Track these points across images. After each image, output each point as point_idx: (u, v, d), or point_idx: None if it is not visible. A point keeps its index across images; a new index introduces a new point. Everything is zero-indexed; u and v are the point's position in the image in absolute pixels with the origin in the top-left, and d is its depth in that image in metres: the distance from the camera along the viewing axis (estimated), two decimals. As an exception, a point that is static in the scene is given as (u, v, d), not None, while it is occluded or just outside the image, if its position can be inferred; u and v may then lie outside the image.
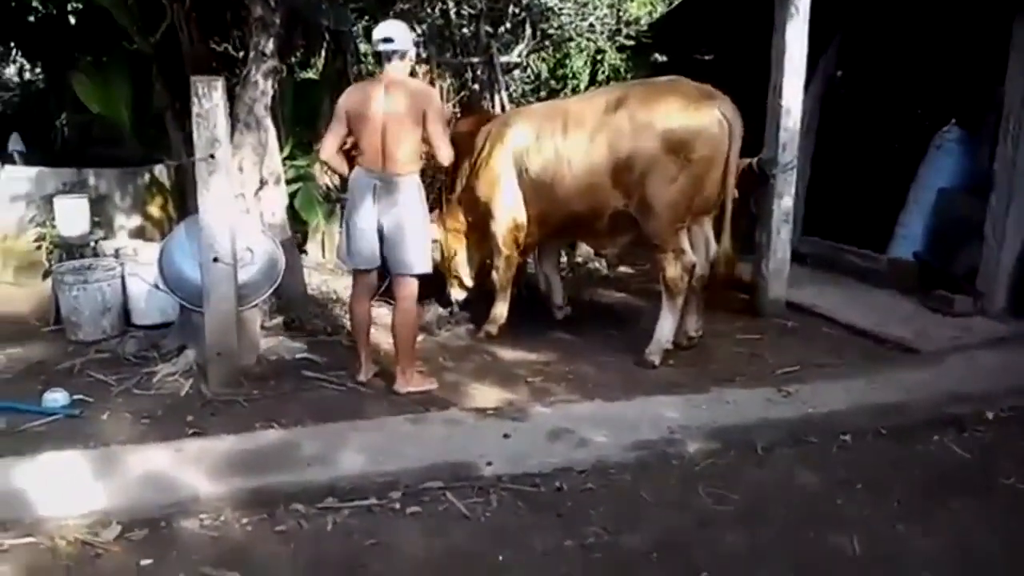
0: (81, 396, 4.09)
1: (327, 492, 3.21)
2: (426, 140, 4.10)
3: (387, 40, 4.07)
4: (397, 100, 4.01)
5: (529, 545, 2.96)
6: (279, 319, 5.03)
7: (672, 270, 4.58)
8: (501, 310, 5.24)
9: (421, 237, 4.16)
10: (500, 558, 2.89)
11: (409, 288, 4.20)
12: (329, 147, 4.18)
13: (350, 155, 4.23)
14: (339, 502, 3.17)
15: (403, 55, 4.12)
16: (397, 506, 3.17)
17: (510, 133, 4.97)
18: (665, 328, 4.71)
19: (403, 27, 4.20)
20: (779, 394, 4.20)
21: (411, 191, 4.10)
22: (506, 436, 3.68)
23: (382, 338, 4.74)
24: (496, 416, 3.92)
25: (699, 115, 4.42)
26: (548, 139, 4.78)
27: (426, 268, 4.22)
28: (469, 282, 5.45)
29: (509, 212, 5.00)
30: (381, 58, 4.16)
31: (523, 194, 4.95)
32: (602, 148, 4.58)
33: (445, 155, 4.13)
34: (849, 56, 7.07)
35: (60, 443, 3.57)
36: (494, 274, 5.23)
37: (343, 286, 5.66)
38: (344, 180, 4.42)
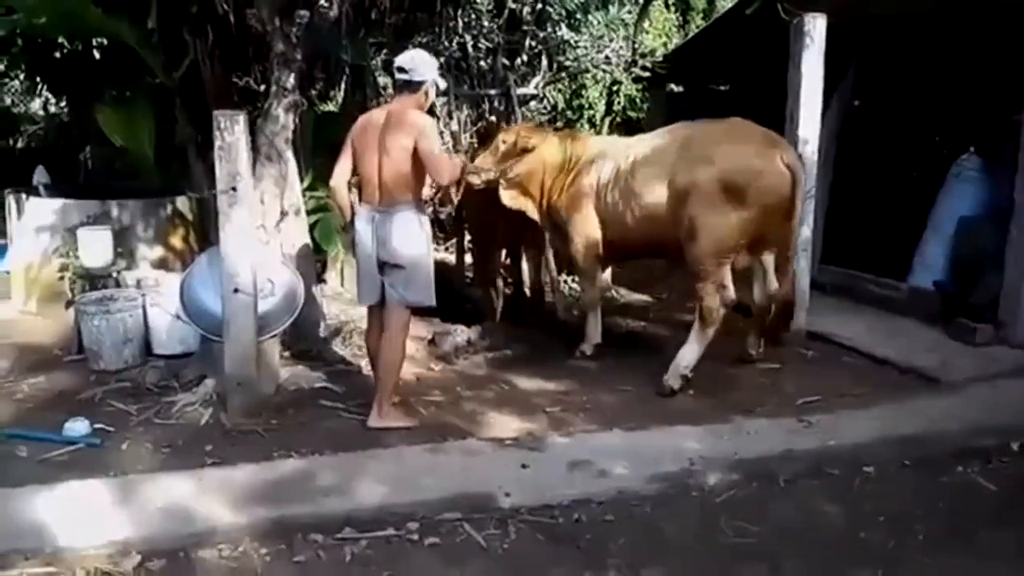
0: (102, 425, 4.10)
1: (345, 523, 3.20)
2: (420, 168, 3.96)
3: (399, 70, 4.05)
4: (393, 130, 3.94)
5: (548, 578, 2.94)
6: (298, 349, 5.05)
7: (710, 301, 4.64)
8: (594, 328, 5.35)
9: (418, 269, 4.05)
10: (519, 591, 2.87)
11: (399, 319, 4.10)
12: (338, 175, 4.14)
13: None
14: (357, 533, 3.16)
15: (416, 87, 4.04)
16: (415, 537, 3.15)
17: (595, 161, 5.12)
18: (687, 354, 4.71)
19: (420, 58, 4.11)
20: (801, 425, 4.16)
21: (408, 222, 4.00)
22: (524, 467, 3.66)
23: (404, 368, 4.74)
24: (514, 446, 3.90)
25: (760, 162, 4.52)
26: (622, 171, 4.95)
27: (418, 301, 4.11)
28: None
29: (587, 230, 5.12)
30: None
31: (599, 220, 5.09)
32: (665, 180, 4.73)
33: (443, 175, 3.96)
34: (866, 85, 7.09)
35: (80, 472, 3.58)
36: (582, 296, 5.43)
37: (361, 315, 5.67)
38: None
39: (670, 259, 5.38)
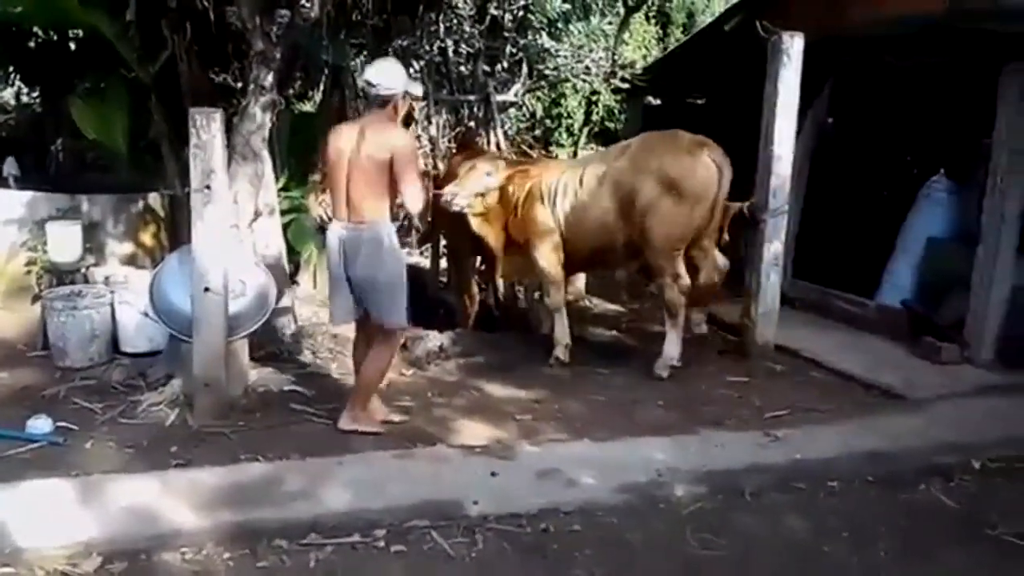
0: (65, 423, 4.05)
1: (311, 528, 3.18)
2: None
3: (368, 84, 3.93)
4: (366, 145, 3.81)
5: (514, 587, 2.94)
6: (268, 350, 5.01)
7: (670, 293, 5.14)
8: (562, 331, 5.45)
9: (389, 288, 3.96)
10: (485, 600, 2.87)
11: (385, 338, 4.06)
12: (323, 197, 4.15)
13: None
14: (323, 539, 3.14)
15: (384, 102, 3.92)
16: (381, 544, 3.14)
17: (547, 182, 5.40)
18: (670, 347, 5.19)
19: (391, 69, 3.98)
20: (767, 438, 4.20)
21: (376, 240, 3.89)
22: (493, 475, 3.66)
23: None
24: (484, 454, 3.90)
25: (692, 160, 5.00)
26: (573, 184, 5.29)
27: (397, 320, 4.04)
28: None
29: (548, 244, 5.37)
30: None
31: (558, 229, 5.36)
32: (611, 189, 5.13)
33: (414, 202, 3.87)
34: (840, 104, 7.19)
35: (42, 471, 3.53)
36: (545, 299, 5.52)
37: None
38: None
39: (621, 265, 5.87)
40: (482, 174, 5.32)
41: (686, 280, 5.16)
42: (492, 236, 5.52)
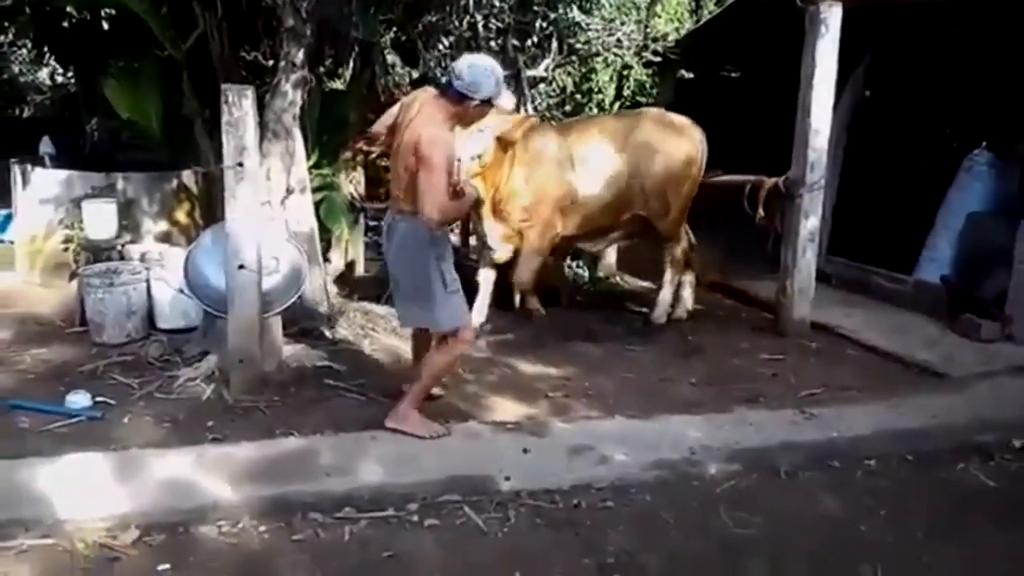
0: (103, 398, 4.10)
1: (345, 502, 3.21)
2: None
3: (454, 75, 3.47)
4: (412, 128, 3.47)
5: (546, 563, 2.95)
6: (301, 327, 5.04)
7: (678, 251, 5.74)
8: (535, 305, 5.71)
9: (415, 290, 3.70)
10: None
11: (449, 339, 3.77)
12: (377, 125, 3.86)
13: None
14: (357, 512, 3.17)
15: (457, 99, 3.48)
16: (415, 518, 3.16)
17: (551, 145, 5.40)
18: (667, 295, 5.76)
19: (485, 71, 3.49)
20: (802, 416, 4.15)
21: (407, 236, 3.60)
22: (525, 451, 3.67)
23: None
24: (516, 430, 3.90)
25: (700, 141, 5.57)
26: (593, 153, 5.40)
27: (411, 321, 3.95)
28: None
29: (544, 217, 5.38)
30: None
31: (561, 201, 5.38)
32: (630, 162, 5.38)
33: (429, 211, 3.40)
34: (879, 76, 7.03)
35: (81, 445, 3.59)
36: (517, 276, 5.51)
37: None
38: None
39: (613, 235, 5.90)
40: (472, 131, 4.74)
41: (685, 243, 5.79)
42: (485, 198, 5.19)
